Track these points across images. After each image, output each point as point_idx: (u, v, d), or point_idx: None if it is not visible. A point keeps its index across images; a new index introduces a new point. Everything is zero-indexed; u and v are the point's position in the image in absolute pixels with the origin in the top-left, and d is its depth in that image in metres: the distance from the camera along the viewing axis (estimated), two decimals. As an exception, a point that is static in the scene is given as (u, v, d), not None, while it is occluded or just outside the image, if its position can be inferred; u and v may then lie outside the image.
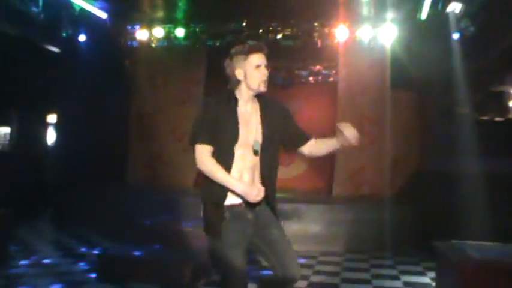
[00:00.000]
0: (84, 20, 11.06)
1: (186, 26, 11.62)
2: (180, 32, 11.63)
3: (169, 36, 11.82)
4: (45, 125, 13.96)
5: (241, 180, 3.73)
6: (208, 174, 3.71)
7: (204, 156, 3.71)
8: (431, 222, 8.93)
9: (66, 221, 10.73)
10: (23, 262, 7.66)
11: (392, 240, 9.03)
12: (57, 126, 13.28)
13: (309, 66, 13.66)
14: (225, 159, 3.72)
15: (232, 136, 3.74)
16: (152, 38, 11.93)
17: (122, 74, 12.29)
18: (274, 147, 3.88)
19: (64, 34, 11.15)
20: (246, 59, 3.83)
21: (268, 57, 3.91)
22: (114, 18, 11.29)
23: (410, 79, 10.88)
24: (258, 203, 3.73)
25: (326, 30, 11.32)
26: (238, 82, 3.87)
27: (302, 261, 7.89)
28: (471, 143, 9.15)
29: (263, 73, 3.83)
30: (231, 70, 3.89)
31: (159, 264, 6.53)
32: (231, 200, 3.74)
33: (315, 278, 7.26)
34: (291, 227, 8.89)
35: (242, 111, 3.85)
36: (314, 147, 4.03)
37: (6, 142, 13.04)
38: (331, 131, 3.99)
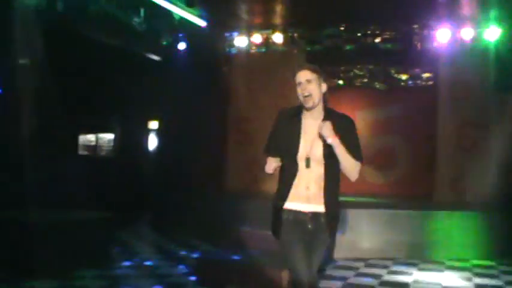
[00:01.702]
0: (184, 28, 11.27)
1: (283, 31, 11.64)
2: (278, 37, 11.66)
3: (267, 42, 11.88)
4: (147, 131, 14.36)
5: (306, 189, 3.92)
6: None
7: (265, 166, 4.08)
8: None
9: (166, 225, 10.95)
10: (125, 264, 7.87)
11: (498, 248, 8.64)
12: (158, 132, 13.61)
13: (409, 70, 13.31)
14: (289, 168, 3.98)
15: (294, 147, 3.94)
16: (250, 45, 12.02)
17: (220, 80, 12.44)
18: (333, 161, 3.89)
19: (164, 43, 11.43)
20: (293, 78, 4.04)
21: (317, 72, 4.01)
22: (213, 26, 11.45)
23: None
24: (318, 214, 3.91)
25: (426, 32, 11.01)
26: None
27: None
28: None
29: (302, 89, 3.95)
30: None
31: (258, 269, 6.51)
32: (292, 205, 3.95)
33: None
34: (389, 235, 8.72)
35: (306, 124, 4.00)
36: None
37: (110, 148, 13.54)
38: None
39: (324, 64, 11.72)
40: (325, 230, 3.94)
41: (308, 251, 3.93)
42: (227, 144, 12.73)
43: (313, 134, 3.92)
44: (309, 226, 3.92)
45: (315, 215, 3.91)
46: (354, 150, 3.90)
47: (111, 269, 7.41)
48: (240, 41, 11.99)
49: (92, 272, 7.10)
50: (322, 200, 3.90)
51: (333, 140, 3.76)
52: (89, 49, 10.21)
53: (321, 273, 6.94)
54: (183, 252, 8.93)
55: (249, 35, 11.89)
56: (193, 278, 7.02)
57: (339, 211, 4.06)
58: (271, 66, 12.24)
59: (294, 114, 4.04)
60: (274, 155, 4.01)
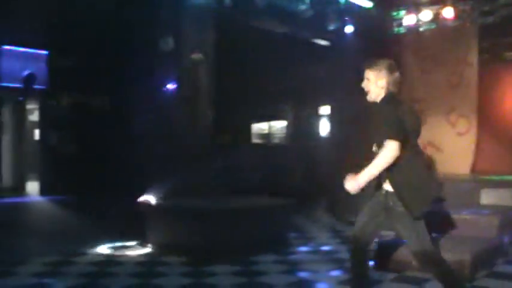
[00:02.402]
0: (350, 11, 11.14)
1: (454, 5, 11.06)
2: (448, 12, 11.09)
3: (437, 18, 11.36)
4: (317, 117, 14.43)
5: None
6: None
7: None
8: None
9: (340, 210, 10.94)
10: (302, 249, 7.97)
11: None
12: (330, 118, 13.62)
13: None
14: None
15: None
16: (419, 22, 11.59)
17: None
18: None
19: (331, 27, 11.38)
20: None
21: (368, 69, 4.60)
22: (380, 6, 11.20)
23: None
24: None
25: None
26: None
27: None
28: None
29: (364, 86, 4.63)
30: None
31: (439, 254, 6.27)
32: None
33: None
34: None
35: None
36: None
37: (283, 135, 13.79)
38: None
39: (500, 36, 11.09)
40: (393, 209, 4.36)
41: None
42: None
43: None
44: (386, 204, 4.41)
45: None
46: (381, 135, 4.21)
47: (288, 254, 7.54)
48: (408, 20, 11.58)
49: (270, 257, 7.25)
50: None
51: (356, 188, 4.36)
52: (258, 39, 10.44)
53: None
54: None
55: (417, 12, 11.45)
56: (371, 262, 6.93)
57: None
58: (442, 43, 11.72)
59: None
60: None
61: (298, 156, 12.71)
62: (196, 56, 7.38)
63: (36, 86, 14.11)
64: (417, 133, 4.42)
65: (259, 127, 14.32)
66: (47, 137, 14.83)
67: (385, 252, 6.78)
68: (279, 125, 14.08)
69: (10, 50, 13.73)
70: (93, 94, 14.13)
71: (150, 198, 7.86)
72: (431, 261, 4.44)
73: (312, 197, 12.18)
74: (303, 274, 6.55)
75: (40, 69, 14.18)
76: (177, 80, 8.37)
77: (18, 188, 15.00)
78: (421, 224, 4.31)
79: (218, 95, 9.31)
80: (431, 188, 4.47)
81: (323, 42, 11.99)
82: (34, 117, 16.23)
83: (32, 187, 15.16)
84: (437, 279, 4.45)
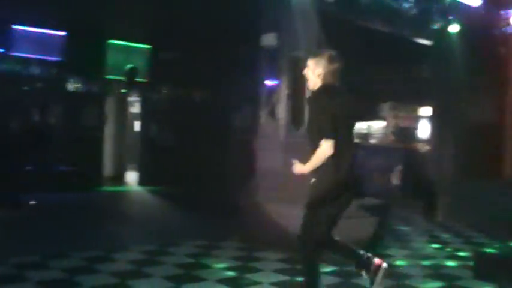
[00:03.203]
0: (455, 9, 10.81)
1: None
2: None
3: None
4: (418, 118, 14.10)
5: None
6: None
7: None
8: None
9: (439, 214, 10.69)
10: (397, 252, 7.80)
11: None
12: (431, 119, 13.27)
13: None
14: None
15: None
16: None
17: (497, 62, 11.70)
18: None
19: (435, 26, 11.08)
20: None
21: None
22: (487, 4, 10.80)
23: None
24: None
25: None
26: None
27: None
28: None
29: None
30: None
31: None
32: None
33: None
34: None
35: None
36: None
37: (380, 136, 13.58)
38: None
39: None
40: None
41: None
42: (504, 130, 11.94)
43: None
44: None
45: None
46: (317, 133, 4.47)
47: (384, 257, 7.39)
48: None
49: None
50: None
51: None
52: (360, 38, 10.31)
53: None
54: (459, 244, 8.62)
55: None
56: (470, 272, 6.70)
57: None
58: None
59: None
60: None
61: (397, 157, 12.46)
62: (298, 53, 7.33)
63: (138, 79, 14.58)
64: (351, 124, 4.73)
65: (358, 126, 14.15)
66: (147, 129, 15.30)
67: (485, 262, 6.55)
68: (378, 125, 13.88)
69: (115, 44, 14.25)
70: (193, 87, 14.41)
71: None
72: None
73: (408, 199, 11.91)
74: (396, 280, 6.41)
75: (142, 62, 14.64)
76: (278, 77, 8.37)
77: (118, 178, 15.57)
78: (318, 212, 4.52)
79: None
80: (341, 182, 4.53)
81: (426, 42, 11.68)
82: (135, 109, 16.78)
83: (131, 177, 15.68)
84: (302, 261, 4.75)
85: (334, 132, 4.39)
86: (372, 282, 4.58)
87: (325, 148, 4.37)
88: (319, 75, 4.66)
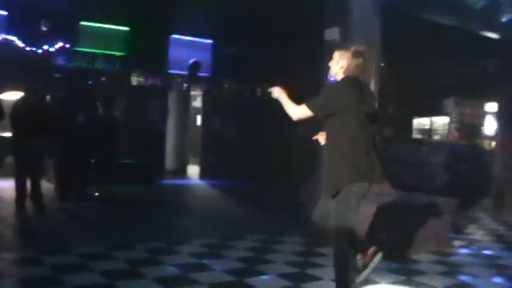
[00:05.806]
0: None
1: None
2: None
3: None
4: (484, 114, 13.78)
5: None
6: None
7: None
8: None
9: (500, 210, 10.46)
10: (462, 251, 7.64)
11: None
12: (497, 115, 12.93)
13: None
14: None
15: None
16: None
17: None
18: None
19: (504, 19, 10.77)
20: None
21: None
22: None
23: None
24: None
25: None
26: None
27: None
28: None
29: None
30: None
31: None
32: None
33: None
34: None
35: None
36: None
37: (445, 132, 13.31)
38: None
39: None
40: None
41: None
42: None
43: None
44: None
45: None
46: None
47: (448, 256, 7.26)
48: None
49: (430, 256, 7.04)
50: None
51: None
52: (424, 31, 10.13)
53: None
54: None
55: None
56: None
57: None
58: None
59: None
60: None
61: (461, 154, 12.19)
62: (361, 48, 7.25)
63: (201, 74, 14.72)
64: (367, 121, 4.66)
65: (421, 122, 13.88)
66: (209, 123, 15.44)
67: None
68: (442, 121, 13.58)
69: (178, 39, 14.43)
70: (255, 81, 14.46)
71: None
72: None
73: (474, 197, 11.64)
74: (462, 278, 6.26)
75: (205, 57, 14.78)
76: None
77: (180, 171, 15.78)
78: (340, 201, 4.58)
79: (380, 87, 9.14)
80: (356, 172, 4.56)
81: (493, 35, 11.36)
82: (197, 103, 16.97)
83: (193, 170, 15.87)
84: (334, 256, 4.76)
85: (319, 110, 4.64)
86: (366, 266, 4.79)
87: (302, 111, 4.69)
88: (342, 67, 4.75)
